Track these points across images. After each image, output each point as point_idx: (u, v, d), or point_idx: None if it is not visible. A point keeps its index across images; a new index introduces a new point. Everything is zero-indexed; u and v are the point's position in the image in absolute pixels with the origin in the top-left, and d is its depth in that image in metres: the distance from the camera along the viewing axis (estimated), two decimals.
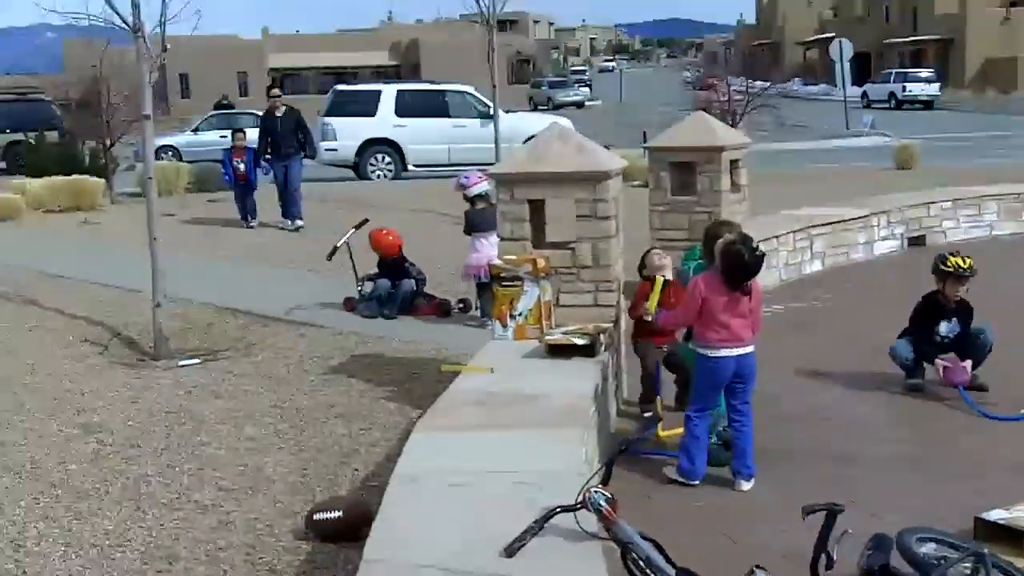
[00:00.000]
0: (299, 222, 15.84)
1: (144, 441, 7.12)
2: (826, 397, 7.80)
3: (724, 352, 5.99)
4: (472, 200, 10.15)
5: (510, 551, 3.73)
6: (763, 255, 6.05)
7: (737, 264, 5.91)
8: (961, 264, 7.69)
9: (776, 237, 11.82)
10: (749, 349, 6.06)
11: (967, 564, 4.23)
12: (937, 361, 7.64)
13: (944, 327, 7.76)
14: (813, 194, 16.97)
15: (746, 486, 6.07)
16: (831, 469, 6.37)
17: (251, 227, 15.98)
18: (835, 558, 4.14)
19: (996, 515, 5.12)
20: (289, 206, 15.99)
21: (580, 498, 3.91)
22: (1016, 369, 7.98)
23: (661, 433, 6.81)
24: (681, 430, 6.39)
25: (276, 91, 16.80)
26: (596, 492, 3.91)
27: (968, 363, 7.61)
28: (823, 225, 12.84)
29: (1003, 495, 5.39)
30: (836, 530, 4.16)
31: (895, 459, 6.56)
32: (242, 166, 15.99)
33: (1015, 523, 5.02)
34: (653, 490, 6.09)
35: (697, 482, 6.10)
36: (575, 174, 7.42)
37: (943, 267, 7.75)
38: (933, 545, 4.42)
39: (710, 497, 5.99)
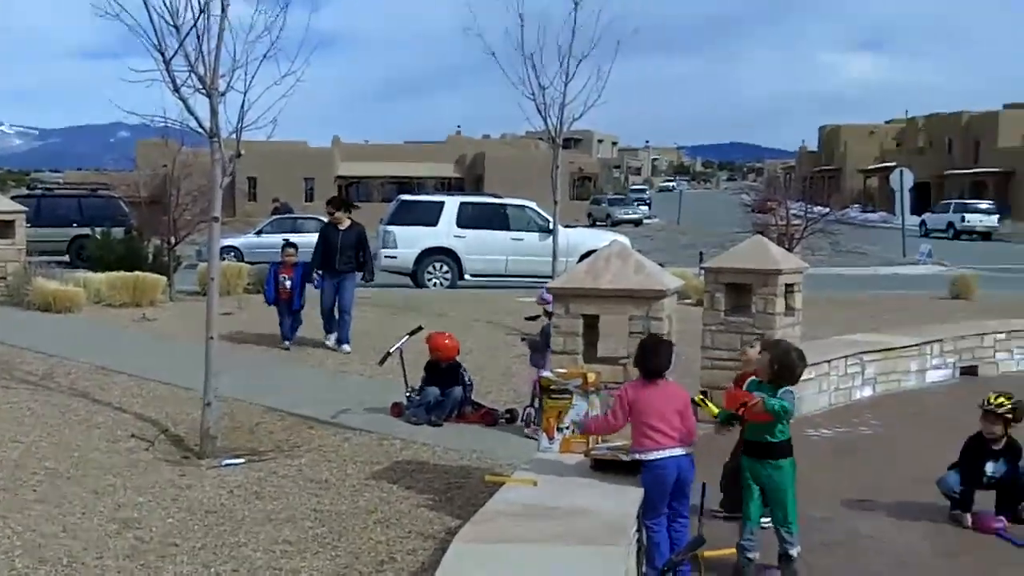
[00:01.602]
0: (346, 347, 14.43)
1: (182, 539, 7.09)
2: (870, 524, 7.62)
3: (656, 455, 6.14)
4: (551, 315, 10.21)
5: None
6: (670, 342, 6.52)
7: (646, 350, 6.38)
8: (991, 401, 7.62)
9: (828, 361, 11.72)
10: (685, 451, 6.21)
11: None
12: (967, 516, 7.54)
13: (991, 467, 7.65)
14: (867, 320, 16.82)
15: None
16: None
17: (287, 349, 14.50)
18: None
19: None
20: (338, 328, 14.63)
21: None
22: None
23: (705, 554, 6.64)
24: (728, 551, 6.28)
25: (332, 210, 15.10)
26: None
27: (1002, 518, 7.46)
28: (875, 352, 12.71)
29: None
30: None
31: None
32: (288, 283, 14.65)
33: None
34: None
35: None
36: (632, 292, 7.44)
37: (980, 405, 7.69)
38: None
39: None
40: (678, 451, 6.16)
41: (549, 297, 10.30)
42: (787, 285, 10.92)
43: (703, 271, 11.93)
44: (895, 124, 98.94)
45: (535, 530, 5.52)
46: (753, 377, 6.65)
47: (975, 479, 7.62)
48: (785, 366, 6.35)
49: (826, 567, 6.63)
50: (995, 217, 59.03)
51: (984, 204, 60.80)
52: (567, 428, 7.09)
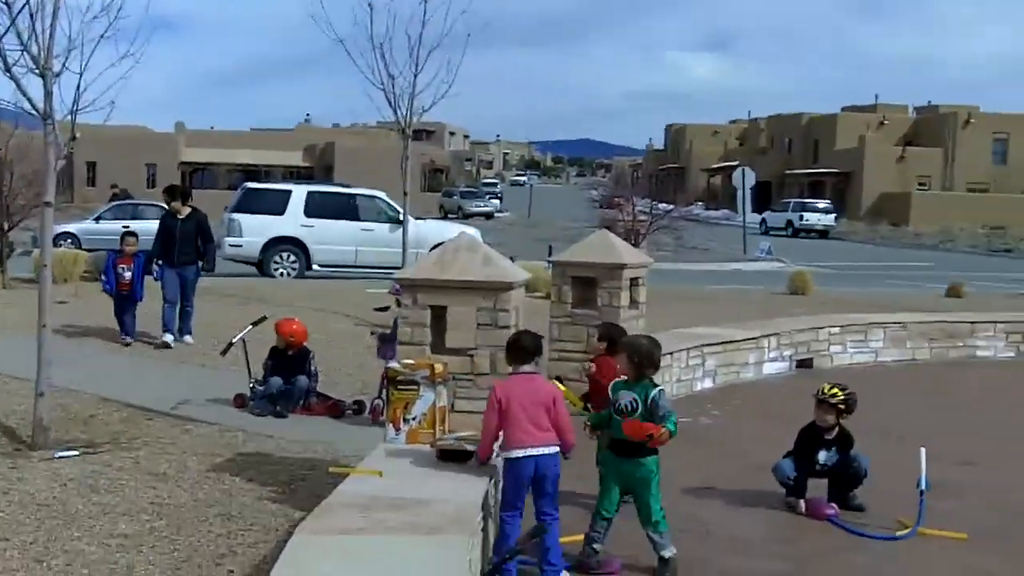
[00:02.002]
0: (188, 338, 14.13)
1: (12, 534, 6.81)
2: (710, 512, 7.82)
3: (515, 453, 6.06)
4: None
5: None
6: (538, 335, 6.56)
7: (514, 334, 6.58)
8: (825, 391, 7.92)
9: (670, 354, 11.90)
10: (549, 450, 6.09)
11: None
12: (800, 502, 7.80)
13: (823, 456, 7.91)
14: (708, 314, 17.24)
15: None
16: None
17: (128, 344, 13.90)
18: None
19: None
20: (180, 319, 14.23)
21: None
22: (894, 489, 8.08)
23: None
24: (577, 537, 6.34)
25: (168, 199, 14.79)
26: None
27: (833, 505, 7.74)
28: (715, 344, 13.05)
29: None
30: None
31: (773, 575, 6.62)
32: (127, 274, 13.96)
33: None
34: None
35: None
36: (479, 283, 7.47)
37: (814, 395, 7.98)
38: None
39: None
40: (539, 449, 6.06)
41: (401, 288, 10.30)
42: (632, 279, 11.12)
43: (551, 265, 12.06)
44: (739, 124, 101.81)
45: (379, 521, 5.48)
46: (617, 379, 6.67)
47: (808, 467, 7.89)
48: (644, 356, 6.41)
49: None
50: (832, 216, 61.48)
51: (822, 203, 63.26)
52: (414, 419, 7.06)
